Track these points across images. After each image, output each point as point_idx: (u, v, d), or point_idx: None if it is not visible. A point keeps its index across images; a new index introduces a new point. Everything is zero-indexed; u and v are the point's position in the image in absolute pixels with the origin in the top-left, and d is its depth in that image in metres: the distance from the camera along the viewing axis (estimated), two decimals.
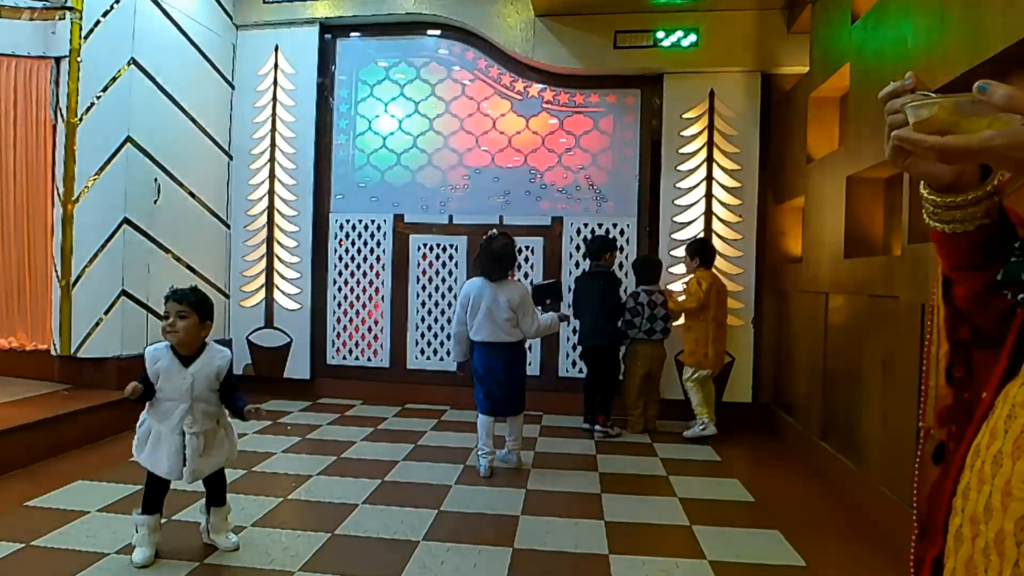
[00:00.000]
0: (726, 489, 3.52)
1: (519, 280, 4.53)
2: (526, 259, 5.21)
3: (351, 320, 5.50)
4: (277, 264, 5.48)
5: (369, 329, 5.48)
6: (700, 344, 4.52)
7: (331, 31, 5.50)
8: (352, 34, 5.52)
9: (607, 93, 5.20)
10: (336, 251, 5.51)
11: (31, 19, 4.43)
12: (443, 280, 5.39)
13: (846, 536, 2.91)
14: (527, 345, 3.87)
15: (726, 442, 4.42)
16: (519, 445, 3.79)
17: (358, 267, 5.49)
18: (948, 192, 0.78)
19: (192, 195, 5.02)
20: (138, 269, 4.49)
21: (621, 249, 5.07)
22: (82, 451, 3.78)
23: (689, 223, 4.98)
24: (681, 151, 5.00)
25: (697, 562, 2.60)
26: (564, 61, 5.06)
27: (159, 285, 4.35)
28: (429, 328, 5.40)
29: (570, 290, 4.87)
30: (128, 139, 4.38)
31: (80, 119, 4.34)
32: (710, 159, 4.97)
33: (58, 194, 4.39)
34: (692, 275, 4.60)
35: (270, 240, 5.48)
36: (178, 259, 4.87)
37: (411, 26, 5.40)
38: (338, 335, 5.51)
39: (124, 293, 4.40)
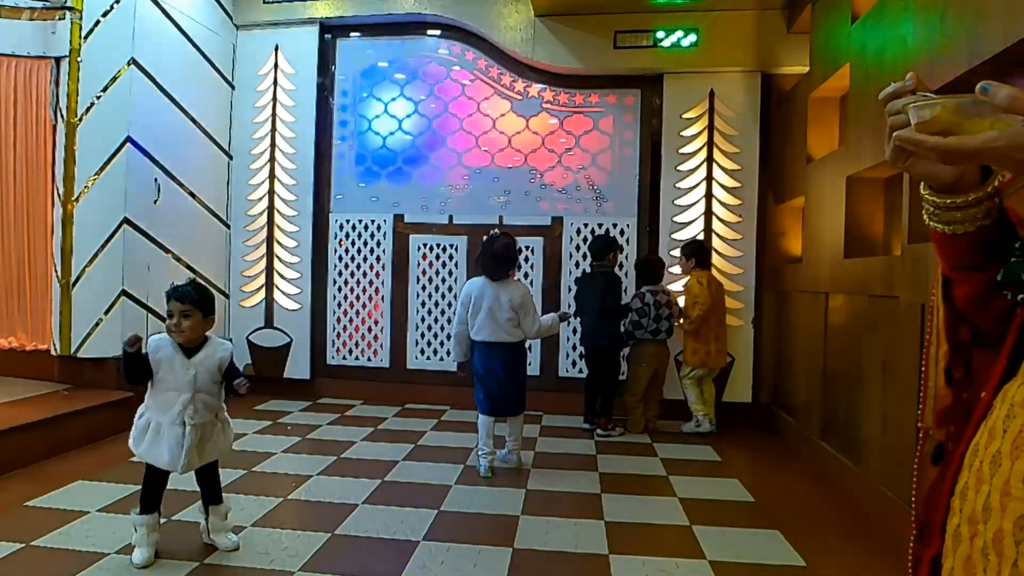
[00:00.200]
0: (726, 489, 3.51)
1: (520, 280, 4.52)
2: (526, 259, 5.20)
3: (351, 320, 5.50)
4: (277, 264, 5.48)
5: (369, 329, 5.48)
6: (703, 343, 4.53)
7: (331, 31, 5.50)
8: (352, 34, 5.52)
9: (607, 93, 5.20)
10: (336, 251, 5.51)
11: (31, 19, 4.43)
12: (443, 280, 5.39)
13: (846, 536, 2.91)
14: (527, 345, 3.87)
15: (726, 442, 4.43)
16: (519, 445, 3.79)
17: (358, 267, 5.49)
18: (949, 193, 0.78)
19: (192, 195, 5.01)
20: (138, 269, 4.49)
21: (621, 249, 5.07)
22: (82, 451, 3.78)
23: (689, 223, 4.98)
24: (681, 151, 5.00)
25: (697, 562, 2.60)
26: (564, 61, 5.06)
27: (159, 285, 4.33)
28: (429, 328, 5.40)
29: (570, 290, 4.86)
30: (128, 139, 4.38)
31: (80, 119, 4.34)
32: (710, 159, 4.97)
33: (58, 194, 4.39)
34: (689, 276, 4.61)
35: (270, 240, 5.48)
36: (178, 259, 4.86)
37: (411, 26, 5.40)
38: (338, 335, 5.51)
39: (124, 293, 4.40)
